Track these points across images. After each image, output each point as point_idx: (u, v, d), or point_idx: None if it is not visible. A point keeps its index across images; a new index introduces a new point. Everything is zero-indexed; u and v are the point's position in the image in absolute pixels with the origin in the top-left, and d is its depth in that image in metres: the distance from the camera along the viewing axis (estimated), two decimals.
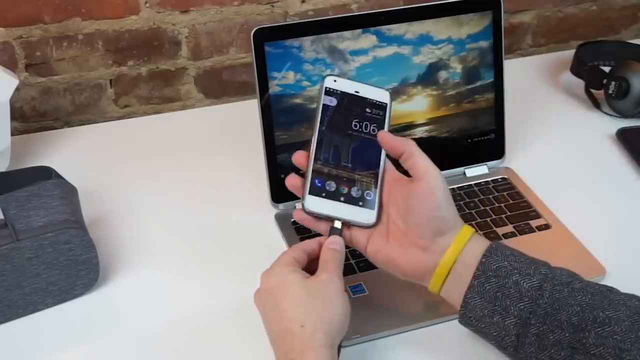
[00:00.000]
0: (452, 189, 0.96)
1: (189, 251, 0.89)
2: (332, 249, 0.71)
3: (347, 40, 0.90)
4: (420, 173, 0.72)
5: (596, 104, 1.15)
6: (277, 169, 0.91)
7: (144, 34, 1.16)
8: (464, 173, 0.99)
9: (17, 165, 1.00)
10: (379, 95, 0.77)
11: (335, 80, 0.76)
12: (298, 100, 0.90)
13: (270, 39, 0.87)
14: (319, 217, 0.74)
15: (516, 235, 0.89)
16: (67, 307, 0.81)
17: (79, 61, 1.15)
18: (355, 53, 0.91)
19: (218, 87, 1.25)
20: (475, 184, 0.98)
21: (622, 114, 1.12)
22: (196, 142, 1.09)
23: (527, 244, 0.88)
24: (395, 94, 0.92)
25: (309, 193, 0.73)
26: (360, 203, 0.74)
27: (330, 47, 0.89)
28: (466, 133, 0.98)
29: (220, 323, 0.79)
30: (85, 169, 1.01)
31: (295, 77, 0.89)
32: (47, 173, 0.87)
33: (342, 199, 0.74)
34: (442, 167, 0.97)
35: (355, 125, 0.75)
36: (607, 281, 0.83)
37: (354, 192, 0.74)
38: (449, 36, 0.94)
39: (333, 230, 0.73)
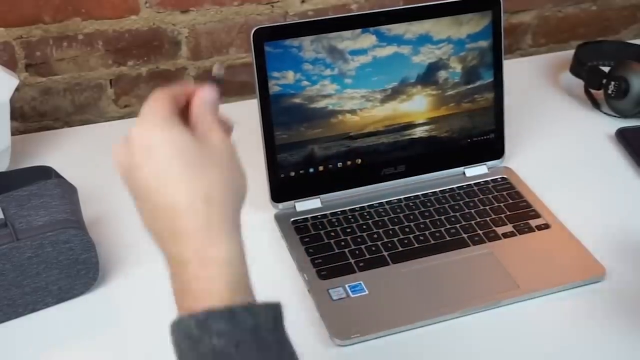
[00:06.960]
0: (452, 188, 0.96)
1: None
2: (206, 101, 0.59)
3: (346, 40, 0.90)
4: None
5: (596, 104, 1.15)
6: (277, 169, 0.91)
7: (144, 34, 1.16)
8: (464, 173, 0.99)
9: (17, 165, 1.00)
10: None
11: None
12: (298, 100, 0.90)
13: (270, 39, 0.87)
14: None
15: (516, 235, 0.89)
16: (66, 306, 0.81)
17: (79, 61, 1.15)
18: (355, 53, 0.91)
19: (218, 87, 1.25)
20: (474, 183, 0.98)
21: (622, 114, 1.12)
22: None
23: (526, 244, 0.88)
24: (395, 93, 0.93)
25: None
26: None
27: (330, 47, 0.89)
28: (466, 133, 0.98)
29: None
30: (85, 169, 1.01)
31: (295, 76, 0.89)
32: (47, 173, 0.87)
33: None
34: (441, 166, 0.98)
35: None
36: (607, 281, 0.83)
37: None
38: (448, 36, 0.94)
39: (216, 77, 0.63)
